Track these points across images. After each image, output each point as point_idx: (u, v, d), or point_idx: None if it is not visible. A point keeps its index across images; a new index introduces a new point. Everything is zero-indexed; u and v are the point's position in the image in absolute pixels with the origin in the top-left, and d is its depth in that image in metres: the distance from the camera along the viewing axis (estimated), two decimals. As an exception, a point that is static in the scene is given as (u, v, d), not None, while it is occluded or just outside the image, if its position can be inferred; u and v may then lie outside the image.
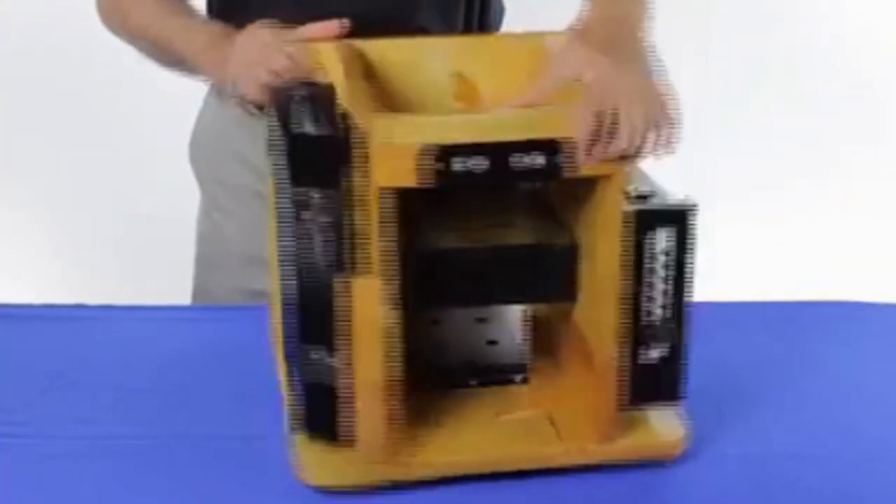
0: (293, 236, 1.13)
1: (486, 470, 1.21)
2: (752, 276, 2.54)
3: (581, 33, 1.31)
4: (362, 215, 1.11)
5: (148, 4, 1.58)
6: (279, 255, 1.16)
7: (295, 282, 1.14)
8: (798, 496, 1.21)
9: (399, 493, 1.19)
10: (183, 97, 1.74)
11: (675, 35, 1.76)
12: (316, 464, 1.20)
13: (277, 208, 1.14)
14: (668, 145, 1.19)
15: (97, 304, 1.56)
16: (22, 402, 1.35)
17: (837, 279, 2.51)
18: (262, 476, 1.23)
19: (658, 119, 1.18)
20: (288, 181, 1.12)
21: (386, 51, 1.31)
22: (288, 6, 1.52)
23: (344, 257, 1.12)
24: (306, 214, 1.12)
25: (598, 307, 1.19)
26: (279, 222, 1.14)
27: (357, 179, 1.10)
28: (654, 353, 1.20)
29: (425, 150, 1.10)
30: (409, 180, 1.10)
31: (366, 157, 1.10)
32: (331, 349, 1.15)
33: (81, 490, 1.21)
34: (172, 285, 2.00)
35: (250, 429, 1.30)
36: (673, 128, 1.19)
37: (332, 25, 1.34)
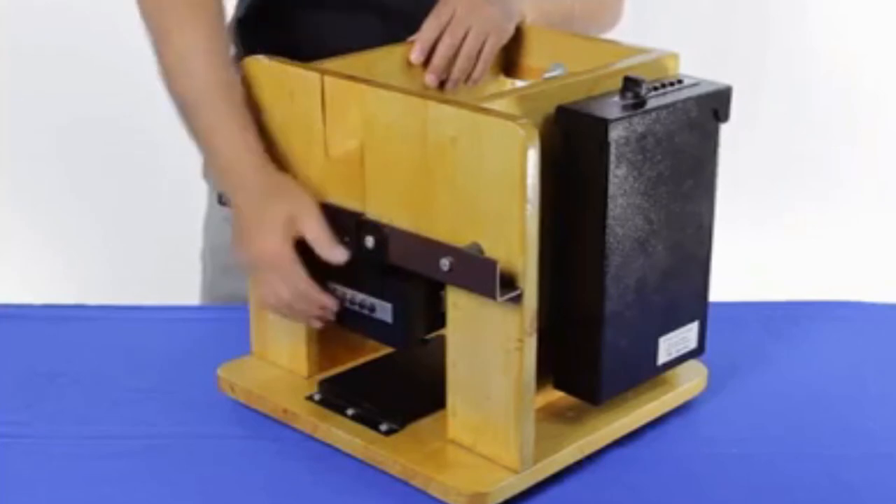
0: None
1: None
2: (752, 276, 2.55)
3: None
4: None
5: (197, 78, 1.31)
6: None
7: None
8: (798, 496, 1.21)
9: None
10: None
11: (673, 36, 1.76)
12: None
13: None
14: (489, 53, 1.38)
15: (97, 304, 1.56)
16: (22, 402, 1.35)
17: (837, 279, 2.52)
18: (261, 476, 1.23)
19: (489, 31, 1.37)
20: None
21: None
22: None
23: None
24: None
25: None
26: None
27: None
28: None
29: None
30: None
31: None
32: None
33: (81, 490, 1.21)
34: (173, 285, 2.00)
35: (249, 429, 1.30)
36: (498, 40, 1.38)
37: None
